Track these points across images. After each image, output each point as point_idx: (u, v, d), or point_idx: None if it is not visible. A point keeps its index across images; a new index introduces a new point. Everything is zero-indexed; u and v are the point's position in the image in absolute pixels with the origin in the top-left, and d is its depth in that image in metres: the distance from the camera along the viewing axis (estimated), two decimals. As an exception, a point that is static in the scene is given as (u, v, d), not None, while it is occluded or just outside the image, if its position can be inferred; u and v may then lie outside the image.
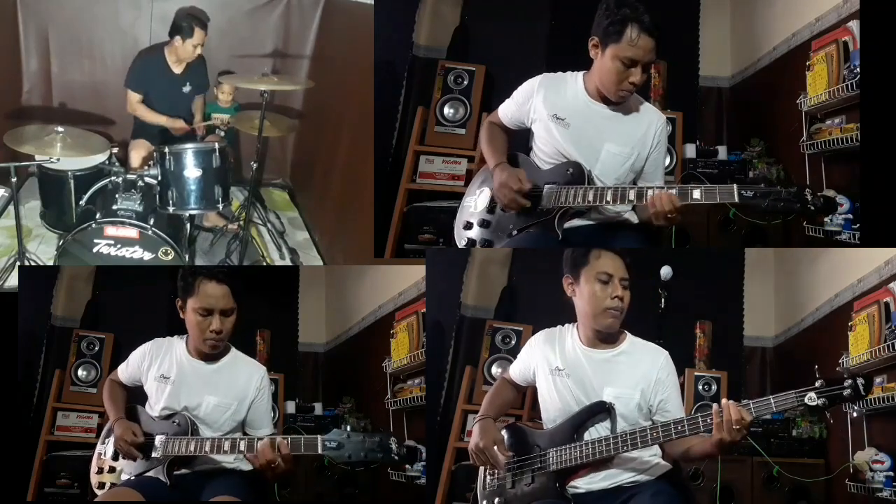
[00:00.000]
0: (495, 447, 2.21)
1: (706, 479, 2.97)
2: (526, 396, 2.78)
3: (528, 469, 2.17)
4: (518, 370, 2.36)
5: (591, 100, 2.35)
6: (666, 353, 2.19)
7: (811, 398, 1.86)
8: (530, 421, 2.46)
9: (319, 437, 2.12)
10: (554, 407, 2.20)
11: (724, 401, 1.93)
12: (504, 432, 2.26)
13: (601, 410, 2.11)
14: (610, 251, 2.16)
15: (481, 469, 2.30)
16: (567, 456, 2.11)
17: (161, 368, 2.43)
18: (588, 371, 2.17)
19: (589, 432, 2.12)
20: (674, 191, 2.16)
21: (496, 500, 2.21)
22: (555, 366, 2.20)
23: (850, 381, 1.84)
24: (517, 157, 2.48)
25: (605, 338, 2.18)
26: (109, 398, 2.54)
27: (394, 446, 2.08)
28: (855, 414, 2.77)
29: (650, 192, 2.21)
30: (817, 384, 1.87)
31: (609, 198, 2.26)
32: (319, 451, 2.11)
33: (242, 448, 2.27)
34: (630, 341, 2.20)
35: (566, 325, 2.27)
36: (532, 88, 2.43)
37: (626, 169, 2.34)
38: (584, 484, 2.14)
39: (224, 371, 2.42)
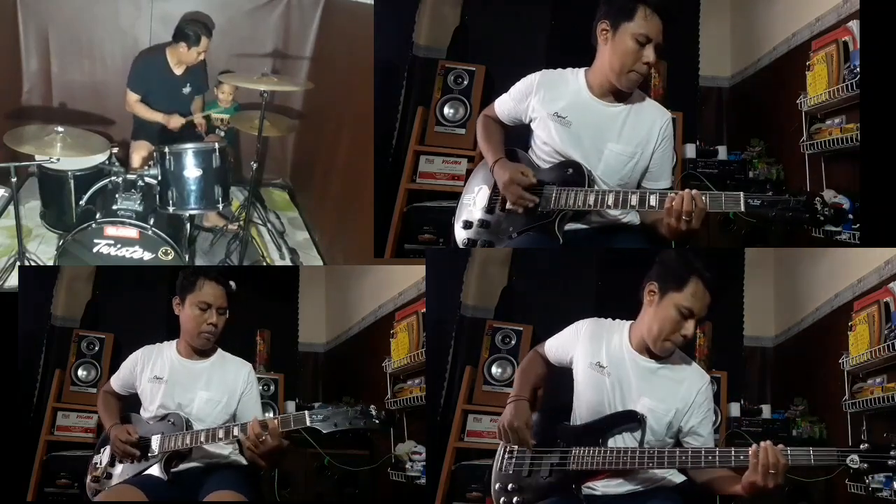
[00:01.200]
0: (527, 429, 2.21)
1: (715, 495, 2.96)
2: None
3: (546, 462, 2.17)
4: (554, 350, 2.33)
5: (593, 97, 2.32)
6: (708, 377, 2.18)
7: (853, 460, 1.81)
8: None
9: (307, 412, 2.25)
10: (587, 401, 2.19)
11: (763, 443, 1.89)
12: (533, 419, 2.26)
13: (632, 420, 2.11)
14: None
15: (499, 450, 2.29)
16: (589, 459, 2.11)
17: (154, 370, 2.52)
18: (630, 376, 2.16)
19: (614, 439, 2.12)
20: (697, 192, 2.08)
21: (510, 485, 2.21)
22: (597, 361, 2.19)
23: None
24: (516, 153, 2.46)
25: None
26: (104, 408, 2.62)
27: (374, 412, 2.26)
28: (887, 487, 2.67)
29: (653, 196, 2.19)
30: (863, 447, 1.82)
31: (610, 202, 2.23)
32: (307, 424, 2.23)
33: (237, 433, 2.33)
34: (679, 356, 2.18)
35: (617, 320, 2.25)
36: (531, 85, 2.40)
37: (629, 169, 2.32)
38: (601, 487, 2.15)
39: (213, 367, 2.52)
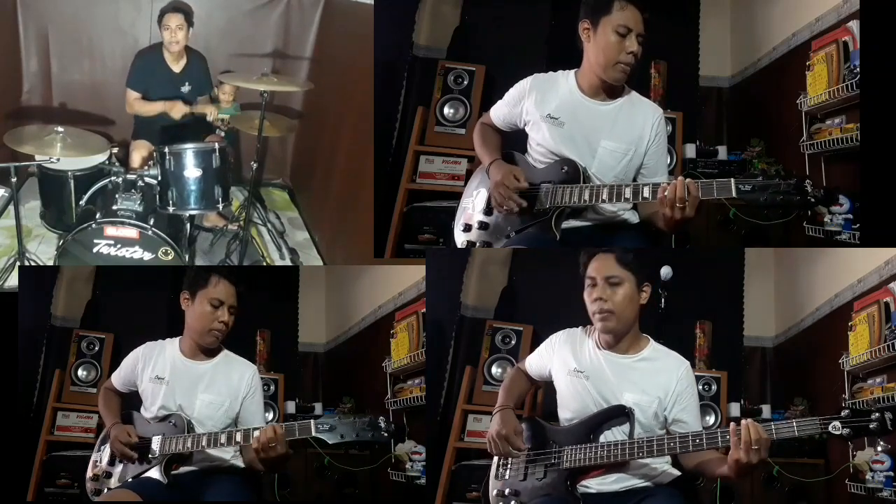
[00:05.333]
0: (516, 436, 2.24)
1: (706, 479, 2.97)
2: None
3: (541, 463, 2.19)
4: (534, 365, 2.38)
5: (585, 96, 2.34)
6: (687, 363, 2.20)
7: (835, 427, 1.85)
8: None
9: (312, 421, 2.20)
10: (571, 407, 2.22)
11: (744, 421, 1.90)
12: (522, 424, 2.28)
13: (620, 414, 2.13)
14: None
15: (495, 458, 2.31)
16: (582, 455, 2.12)
17: (155, 370, 2.48)
18: (608, 374, 2.18)
19: (605, 435, 2.13)
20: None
21: (507, 490, 2.22)
22: (573, 367, 2.22)
23: (877, 414, 1.82)
24: (513, 155, 2.48)
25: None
26: (105, 406, 2.59)
27: (382, 425, 2.19)
28: (879, 448, 2.72)
29: (647, 187, 2.19)
30: (843, 413, 1.85)
31: (605, 196, 2.25)
32: (313, 434, 2.19)
33: (238, 439, 2.31)
34: (653, 348, 2.22)
35: (587, 326, 2.28)
36: (523, 90, 2.43)
37: (623, 165, 2.33)
38: (595, 484, 2.16)
39: (216, 369, 2.47)
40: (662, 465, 2.17)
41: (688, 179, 2.09)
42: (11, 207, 3.59)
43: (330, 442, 2.19)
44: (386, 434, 2.20)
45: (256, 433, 2.22)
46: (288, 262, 4.27)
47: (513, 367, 3.16)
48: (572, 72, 2.38)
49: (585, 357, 2.23)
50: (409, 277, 3.33)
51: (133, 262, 3.47)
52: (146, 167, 3.55)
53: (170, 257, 3.47)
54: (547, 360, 2.32)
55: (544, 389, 2.63)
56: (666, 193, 2.08)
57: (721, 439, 1.95)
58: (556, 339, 2.32)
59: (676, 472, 2.18)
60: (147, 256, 3.47)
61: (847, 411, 1.84)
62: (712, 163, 3.32)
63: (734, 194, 2.05)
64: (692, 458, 2.11)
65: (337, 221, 4.27)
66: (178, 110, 4.15)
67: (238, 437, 2.31)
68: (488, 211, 2.45)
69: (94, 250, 3.44)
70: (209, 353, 2.48)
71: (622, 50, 2.22)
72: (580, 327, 2.30)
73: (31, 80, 4.74)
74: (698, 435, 2.00)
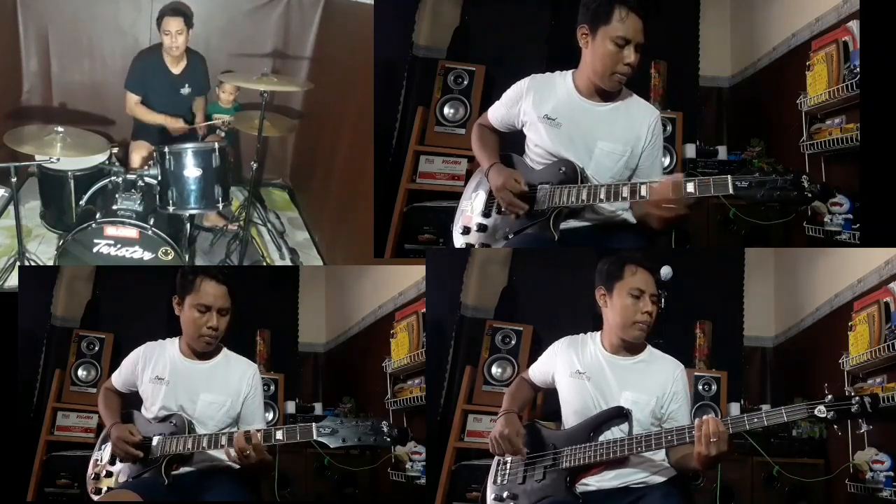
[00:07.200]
0: (517, 438, 2.28)
1: (706, 479, 2.97)
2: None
3: (540, 466, 2.23)
4: (538, 372, 2.44)
5: (582, 97, 2.34)
6: (682, 366, 2.27)
7: (821, 411, 1.92)
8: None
9: (314, 424, 2.20)
10: (573, 407, 2.27)
11: (705, 416, 1.99)
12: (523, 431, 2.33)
13: (618, 415, 2.18)
14: (643, 267, 2.22)
15: (493, 462, 2.36)
16: (581, 454, 2.17)
17: (155, 370, 2.47)
18: (608, 375, 2.24)
19: (604, 435, 2.18)
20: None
21: (505, 493, 2.26)
22: (575, 369, 2.28)
23: (857, 398, 1.91)
24: (511, 157, 2.48)
25: (629, 347, 2.26)
26: (105, 406, 2.58)
27: (385, 429, 2.20)
28: (863, 429, 2.78)
29: (644, 186, 2.19)
30: (827, 398, 1.92)
31: (602, 195, 2.25)
32: (314, 438, 2.19)
33: None
34: (649, 351, 2.28)
35: (589, 332, 2.35)
36: (521, 91, 2.43)
37: (620, 166, 2.33)
38: (594, 482, 2.19)
39: (217, 369, 2.46)
40: (662, 462, 2.19)
41: (677, 176, 2.13)
42: (11, 207, 3.59)
43: (332, 446, 2.18)
44: (388, 439, 2.20)
45: (236, 434, 2.23)
46: (288, 262, 4.27)
47: (513, 367, 3.19)
48: (570, 72, 2.37)
49: (588, 359, 2.28)
50: (409, 277, 3.33)
51: (133, 262, 3.47)
52: (146, 167, 3.55)
53: (170, 257, 3.47)
54: (550, 367, 2.38)
55: (544, 393, 2.64)
56: (655, 195, 2.13)
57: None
58: (558, 347, 2.38)
59: (674, 470, 2.20)
60: (147, 256, 3.47)
61: (830, 396, 1.93)
62: (712, 163, 3.32)
63: (731, 191, 2.06)
64: (674, 454, 2.16)
65: (337, 221, 4.27)
66: (178, 128, 4.15)
67: None
68: (487, 213, 2.46)
69: (94, 250, 3.45)
70: (208, 353, 2.47)
71: (619, 61, 2.21)
72: (581, 334, 2.36)
73: (31, 80, 4.74)
74: (692, 428, 2.03)
